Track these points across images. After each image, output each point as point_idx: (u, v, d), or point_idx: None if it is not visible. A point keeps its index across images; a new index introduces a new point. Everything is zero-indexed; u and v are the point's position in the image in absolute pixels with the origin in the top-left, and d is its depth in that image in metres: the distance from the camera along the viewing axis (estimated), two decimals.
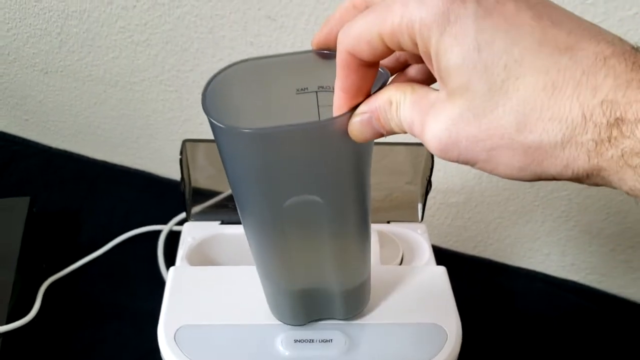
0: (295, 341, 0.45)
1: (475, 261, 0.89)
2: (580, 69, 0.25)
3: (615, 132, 0.25)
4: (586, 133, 0.25)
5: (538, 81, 0.25)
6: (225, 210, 0.60)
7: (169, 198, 0.92)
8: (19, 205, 0.77)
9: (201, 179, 0.60)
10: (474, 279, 0.85)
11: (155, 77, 0.87)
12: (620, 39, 0.26)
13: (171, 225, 0.86)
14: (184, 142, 0.56)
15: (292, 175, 0.34)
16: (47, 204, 0.88)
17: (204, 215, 0.59)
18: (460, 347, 0.47)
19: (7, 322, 0.64)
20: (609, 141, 0.25)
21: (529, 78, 0.26)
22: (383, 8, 0.28)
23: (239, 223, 0.39)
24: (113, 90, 0.91)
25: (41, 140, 1.03)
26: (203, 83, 0.37)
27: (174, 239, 0.85)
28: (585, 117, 0.25)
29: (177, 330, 0.46)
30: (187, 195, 0.58)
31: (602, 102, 0.25)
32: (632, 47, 0.26)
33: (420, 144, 0.60)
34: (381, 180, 0.63)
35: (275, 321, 0.47)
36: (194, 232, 0.57)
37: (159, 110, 0.91)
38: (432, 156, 0.58)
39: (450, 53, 0.26)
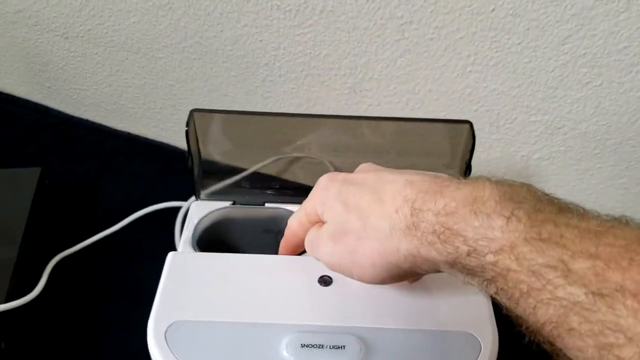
0: (303, 346, 0.40)
1: None
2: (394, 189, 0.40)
3: (414, 219, 0.37)
4: (400, 222, 0.38)
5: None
6: (239, 190, 0.54)
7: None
8: (29, 177, 0.73)
9: (214, 154, 0.54)
10: None
11: (177, 44, 0.82)
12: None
13: (190, 202, 0.81)
14: (192, 111, 0.51)
15: None
16: (63, 176, 0.84)
17: (214, 195, 0.53)
18: None
19: (7, 301, 0.60)
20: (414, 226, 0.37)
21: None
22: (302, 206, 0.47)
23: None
24: (135, 57, 0.86)
25: (63, 108, 0.99)
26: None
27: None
28: (397, 212, 0.38)
29: (170, 326, 0.40)
30: (195, 171, 0.52)
31: (405, 201, 0.38)
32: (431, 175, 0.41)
33: (461, 121, 0.54)
34: (416, 161, 0.57)
35: (281, 320, 0.41)
36: (202, 213, 0.51)
37: (182, 79, 0.86)
38: (474, 136, 0.51)
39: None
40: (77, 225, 0.79)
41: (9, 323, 0.60)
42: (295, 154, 0.60)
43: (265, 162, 0.58)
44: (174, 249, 0.75)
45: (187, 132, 0.51)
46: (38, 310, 0.68)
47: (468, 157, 0.52)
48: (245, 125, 0.55)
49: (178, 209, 0.81)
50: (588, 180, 0.72)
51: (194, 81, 0.85)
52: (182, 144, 0.93)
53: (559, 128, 0.70)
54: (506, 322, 0.43)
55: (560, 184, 0.74)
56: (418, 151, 0.56)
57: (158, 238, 0.78)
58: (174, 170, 0.89)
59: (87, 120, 0.98)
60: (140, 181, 0.87)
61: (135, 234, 0.79)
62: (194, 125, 0.51)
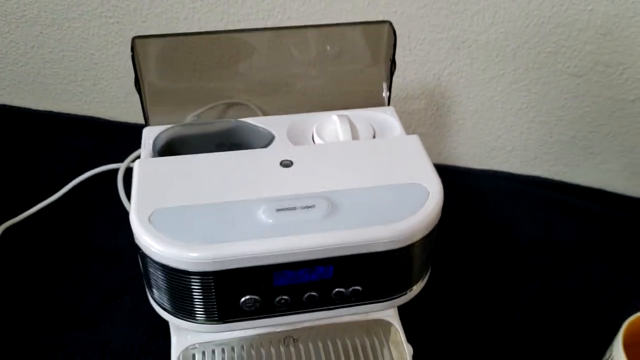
0: (278, 210, 0.44)
1: (440, 169, 0.88)
2: None
3: None
4: None
5: None
6: (186, 111, 0.57)
7: (122, 140, 0.88)
8: None
9: (158, 79, 0.57)
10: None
11: (94, 10, 0.83)
12: None
13: (128, 162, 0.83)
14: (134, 39, 0.53)
15: None
16: None
17: (163, 119, 0.56)
18: (441, 207, 0.46)
19: None
20: None
21: None
22: None
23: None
24: (50, 31, 0.86)
25: None
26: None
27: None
28: None
29: (152, 214, 0.43)
30: (143, 97, 0.55)
31: None
32: None
33: (379, 22, 0.59)
34: (342, 66, 0.61)
35: (254, 196, 0.45)
36: (154, 135, 0.54)
37: (102, 46, 0.87)
38: (394, 33, 0.57)
39: None
40: (16, 198, 0.78)
41: None
42: (228, 101, 0.63)
43: (205, 108, 0.61)
44: (119, 208, 0.77)
45: (132, 59, 0.53)
46: None
47: (392, 53, 0.58)
48: (185, 47, 0.58)
49: (115, 171, 0.82)
50: (494, 87, 0.81)
51: (115, 46, 0.86)
52: (108, 115, 0.94)
53: (464, 42, 0.78)
54: None
55: (470, 96, 0.82)
56: (343, 56, 0.61)
57: (102, 199, 0.80)
58: (104, 141, 0.90)
59: (4, 106, 0.96)
60: (74, 153, 0.87)
61: (79, 198, 0.80)
62: (137, 52, 0.54)
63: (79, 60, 0.89)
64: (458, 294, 0.69)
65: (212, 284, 0.43)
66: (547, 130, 0.83)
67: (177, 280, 0.43)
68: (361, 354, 0.58)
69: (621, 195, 0.86)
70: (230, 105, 0.65)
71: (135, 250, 0.44)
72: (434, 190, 0.47)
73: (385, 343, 0.59)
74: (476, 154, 0.88)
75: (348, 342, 0.59)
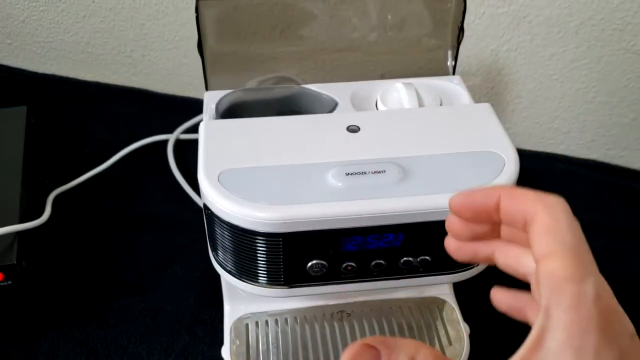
0: (347, 174, 0.42)
1: None
2: None
3: None
4: None
5: None
6: (246, 78, 0.56)
7: (170, 113, 0.88)
8: (17, 115, 0.73)
9: (220, 44, 0.56)
10: None
11: None
12: None
13: (178, 133, 0.82)
14: (198, 0, 0.52)
15: None
16: (44, 125, 0.83)
17: (223, 84, 0.55)
18: (518, 176, 0.45)
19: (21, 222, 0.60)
20: None
21: None
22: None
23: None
24: (101, 0, 0.86)
25: (27, 66, 0.97)
26: None
27: (182, 148, 0.81)
28: None
29: (221, 173, 0.42)
30: (205, 60, 0.54)
31: None
32: None
33: None
34: (407, 34, 0.59)
35: (322, 160, 0.44)
36: (215, 99, 0.53)
37: (153, 16, 0.86)
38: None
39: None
40: (66, 166, 0.78)
41: (26, 243, 0.60)
42: (284, 74, 0.62)
43: (264, 77, 0.60)
44: (168, 179, 0.76)
45: (196, 21, 0.52)
46: (49, 235, 0.68)
47: (461, 20, 0.56)
48: (247, 13, 0.57)
49: (164, 142, 0.82)
50: (554, 65, 0.78)
51: (166, 16, 0.86)
52: (156, 87, 0.94)
53: (524, 17, 0.75)
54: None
55: (528, 74, 0.79)
56: (406, 23, 0.59)
57: (151, 170, 0.80)
58: (152, 111, 0.90)
59: (53, 75, 0.97)
60: (122, 122, 0.87)
61: (128, 168, 0.79)
62: (200, 14, 0.53)
63: (129, 30, 0.89)
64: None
65: (281, 246, 0.42)
66: (606, 111, 0.80)
67: (245, 242, 0.42)
68: (416, 331, 0.57)
69: None
70: (287, 76, 0.63)
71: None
72: (509, 159, 0.45)
73: (441, 321, 0.58)
74: (531, 135, 0.85)
75: (403, 319, 0.58)
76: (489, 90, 0.82)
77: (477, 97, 0.83)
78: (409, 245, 0.44)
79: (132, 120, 0.87)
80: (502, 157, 0.45)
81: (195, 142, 0.55)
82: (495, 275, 0.64)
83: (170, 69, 0.91)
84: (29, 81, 0.95)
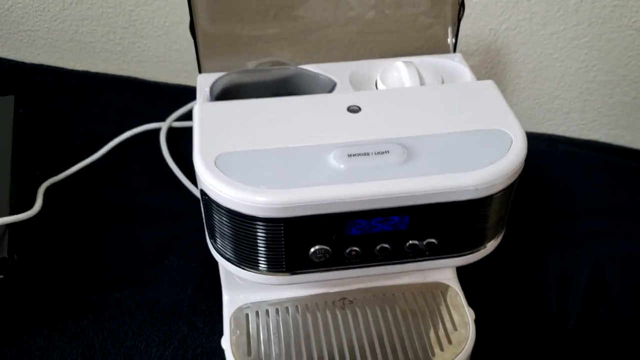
0: (350, 155, 0.41)
1: None
2: None
3: None
4: None
5: None
6: (240, 60, 0.54)
7: (161, 100, 0.86)
8: (4, 105, 0.71)
9: (212, 26, 0.54)
10: None
11: None
12: None
13: (170, 121, 0.80)
14: None
15: None
16: (32, 116, 0.81)
17: (216, 66, 0.53)
18: (526, 154, 0.43)
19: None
20: None
21: None
22: None
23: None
24: None
25: (13, 56, 0.95)
26: None
27: (175, 136, 0.79)
28: None
29: (217, 157, 0.41)
30: (198, 42, 0.52)
31: None
32: None
33: None
34: (405, 11, 0.57)
35: (322, 141, 0.42)
36: (209, 82, 0.51)
37: (142, 2, 0.84)
38: None
39: None
40: (57, 156, 0.76)
41: (17, 236, 0.58)
42: (277, 58, 0.59)
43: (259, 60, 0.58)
44: (161, 168, 0.74)
45: (188, 1, 0.50)
46: (41, 227, 0.66)
47: None
48: None
49: (155, 131, 0.80)
50: (554, 44, 0.76)
51: (154, 2, 0.83)
52: (146, 75, 0.92)
53: None
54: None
55: (528, 53, 0.78)
56: (406, 1, 0.57)
57: (143, 158, 0.78)
58: (144, 100, 0.88)
59: (41, 65, 0.94)
60: (112, 113, 0.85)
61: (119, 158, 0.77)
62: None
63: (118, 17, 0.86)
64: (517, 257, 0.66)
65: (282, 231, 0.40)
66: (608, 90, 0.79)
67: (244, 227, 0.40)
68: (420, 317, 0.55)
69: None
70: (282, 60, 0.61)
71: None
72: (517, 136, 0.43)
73: (445, 306, 0.57)
74: (531, 116, 0.84)
75: (406, 305, 0.56)
76: (488, 70, 0.80)
77: (475, 78, 0.82)
78: (415, 228, 0.42)
79: (123, 109, 0.85)
80: (509, 135, 0.44)
81: (188, 130, 0.53)
82: (499, 260, 0.63)
83: (161, 55, 0.89)
84: (16, 71, 0.93)
